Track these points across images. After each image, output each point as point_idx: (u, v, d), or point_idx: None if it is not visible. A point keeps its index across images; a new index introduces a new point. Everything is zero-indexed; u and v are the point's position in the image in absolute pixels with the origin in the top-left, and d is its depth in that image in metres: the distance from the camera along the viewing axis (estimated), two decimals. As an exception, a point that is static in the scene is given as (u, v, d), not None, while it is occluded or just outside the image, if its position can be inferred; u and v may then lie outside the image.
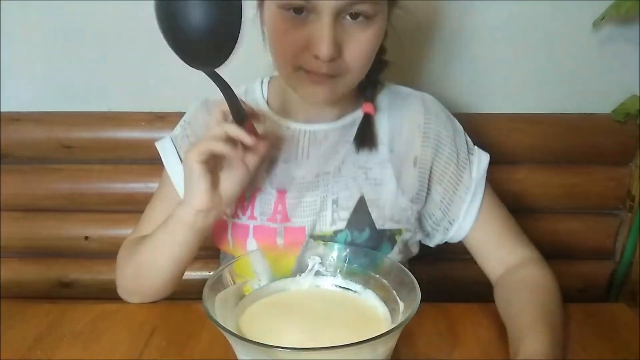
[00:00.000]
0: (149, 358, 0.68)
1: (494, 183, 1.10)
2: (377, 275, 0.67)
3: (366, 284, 0.68)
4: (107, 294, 1.16)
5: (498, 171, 1.09)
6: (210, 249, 0.89)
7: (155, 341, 0.71)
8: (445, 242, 0.85)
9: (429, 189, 0.80)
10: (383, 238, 0.78)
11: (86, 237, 1.14)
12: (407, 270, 0.62)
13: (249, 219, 0.79)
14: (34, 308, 0.79)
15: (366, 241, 0.77)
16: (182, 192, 0.78)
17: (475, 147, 0.83)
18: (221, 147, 0.65)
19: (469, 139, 0.83)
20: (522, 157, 1.11)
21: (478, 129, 1.08)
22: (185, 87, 1.08)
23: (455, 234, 0.82)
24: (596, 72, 1.09)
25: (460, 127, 0.83)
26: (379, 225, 0.77)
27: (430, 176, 0.80)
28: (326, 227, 0.78)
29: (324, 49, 0.64)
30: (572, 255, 1.14)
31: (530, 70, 1.10)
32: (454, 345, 0.70)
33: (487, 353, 0.69)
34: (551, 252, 1.13)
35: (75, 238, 1.14)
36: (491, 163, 1.11)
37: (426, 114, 0.80)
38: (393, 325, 0.60)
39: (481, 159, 0.82)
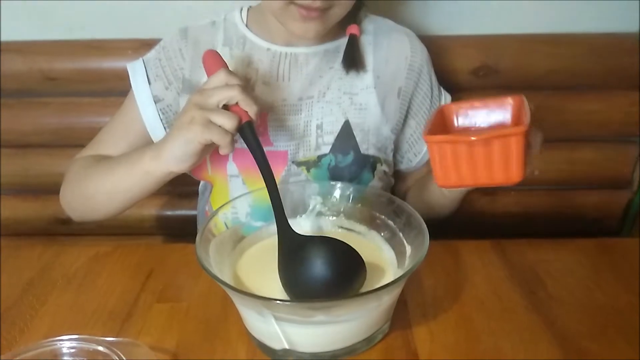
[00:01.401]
0: (145, 302, 0.65)
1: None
2: (383, 216, 0.63)
3: (371, 225, 0.64)
4: (106, 230, 1.14)
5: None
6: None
7: (152, 284, 0.69)
8: None
9: (404, 122, 0.83)
10: (366, 164, 0.79)
11: (80, 173, 1.10)
12: (415, 212, 0.59)
13: None
14: (26, 251, 0.76)
15: (350, 165, 0.78)
16: (145, 114, 0.79)
17: (440, 86, 0.87)
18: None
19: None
20: (539, 82, 1.04)
21: (491, 51, 1.01)
22: (171, 12, 1.01)
23: (416, 164, 0.87)
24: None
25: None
26: (363, 149, 0.78)
27: (408, 109, 0.82)
28: (310, 152, 0.78)
29: None
30: (588, 184, 1.10)
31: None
32: (463, 286, 0.67)
33: (499, 294, 0.65)
34: (566, 181, 1.10)
35: (68, 174, 1.10)
36: (506, 88, 1.05)
37: (412, 48, 0.82)
38: (400, 272, 0.57)
39: (446, 99, 0.86)
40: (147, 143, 0.77)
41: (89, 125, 1.06)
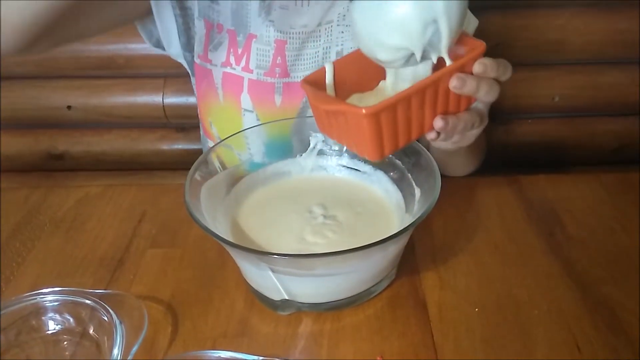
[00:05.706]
0: (138, 248, 0.62)
1: (532, 31, 0.96)
2: (390, 155, 0.57)
3: (377, 164, 0.59)
4: (102, 165, 1.10)
5: (537, 17, 0.97)
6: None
7: (145, 228, 0.65)
8: None
9: None
10: None
11: (69, 107, 1.04)
12: (426, 151, 0.53)
13: (243, 70, 0.71)
14: (11, 193, 0.72)
15: None
16: None
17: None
18: None
19: None
20: (564, -1, 0.94)
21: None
22: None
23: None
24: None
25: None
26: None
27: None
28: None
29: None
30: (610, 111, 1.04)
31: None
32: (476, 228, 0.62)
33: (514, 236, 0.61)
34: (586, 108, 1.02)
35: (57, 108, 1.04)
36: (530, 7, 0.96)
37: None
38: (408, 217, 0.52)
39: (470, 22, 0.74)
40: None
41: (73, 55, 0.99)
